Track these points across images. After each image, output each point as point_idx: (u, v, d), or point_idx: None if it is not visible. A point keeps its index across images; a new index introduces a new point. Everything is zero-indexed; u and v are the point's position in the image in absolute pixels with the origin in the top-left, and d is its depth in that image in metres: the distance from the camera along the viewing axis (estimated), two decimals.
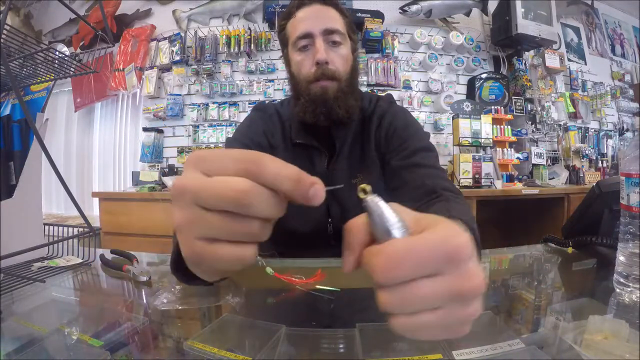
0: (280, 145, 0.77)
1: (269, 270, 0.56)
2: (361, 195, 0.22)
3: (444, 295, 0.20)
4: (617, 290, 0.49)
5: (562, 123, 2.65)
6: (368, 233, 0.22)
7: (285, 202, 0.22)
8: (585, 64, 2.94)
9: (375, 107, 0.79)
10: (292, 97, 0.77)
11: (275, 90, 2.47)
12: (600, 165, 2.62)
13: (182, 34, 2.50)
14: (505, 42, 2.51)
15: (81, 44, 2.56)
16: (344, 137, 0.75)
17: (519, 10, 2.36)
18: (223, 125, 2.45)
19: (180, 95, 2.49)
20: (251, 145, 0.74)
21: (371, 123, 0.77)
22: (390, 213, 0.21)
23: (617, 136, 2.87)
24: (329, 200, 0.71)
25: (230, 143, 0.81)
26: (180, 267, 0.38)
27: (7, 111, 0.72)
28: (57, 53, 0.65)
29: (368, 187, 0.22)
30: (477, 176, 1.99)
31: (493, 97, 2.51)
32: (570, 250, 0.75)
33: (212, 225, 0.21)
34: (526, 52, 2.61)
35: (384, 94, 0.87)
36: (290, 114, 0.79)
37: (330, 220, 0.75)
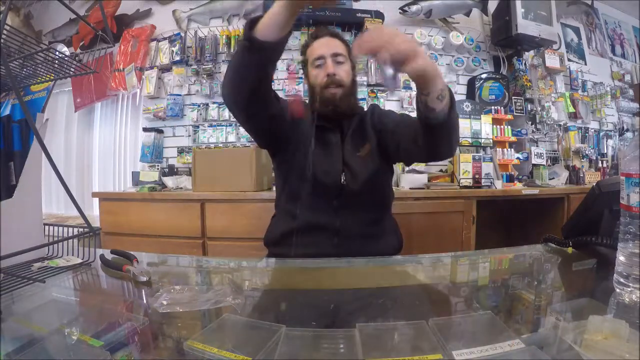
0: (306, 123, 1.02)
1: None
2: None
3: None
4: (617, 290, 0.49)
5: (562, 123, 2.65)
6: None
7: None
8: (585, 64, 2.93)
9: (368, 109, 1.14)
10: (309, 99, 1.07)
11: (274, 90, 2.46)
12: (600, 165, 2.62)
13: (182, 34, 2.50)
14: (505, 42, 2.50)
15: (81, 44, 2.56)
16: (349, 125, 1.06)
17: (519, 10, 2.36)
18: (223, 126, 2.45)
19: (180, 95, 2.49)
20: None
21: (366, 116, 1.09)
22: None
23: (617, 136, 2.87)
24: (344, 159, 1.01)
25: None
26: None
27: (7, 111, 0.72)
28: (57, 53, 0.65)
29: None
30: (477, 176, 1.99)
31: (493, 97, 2.51)
32: (570, 250, 0.75)
33: None
34: (526, 52, 2.61)
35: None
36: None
37: (344, 172, 0.99)
